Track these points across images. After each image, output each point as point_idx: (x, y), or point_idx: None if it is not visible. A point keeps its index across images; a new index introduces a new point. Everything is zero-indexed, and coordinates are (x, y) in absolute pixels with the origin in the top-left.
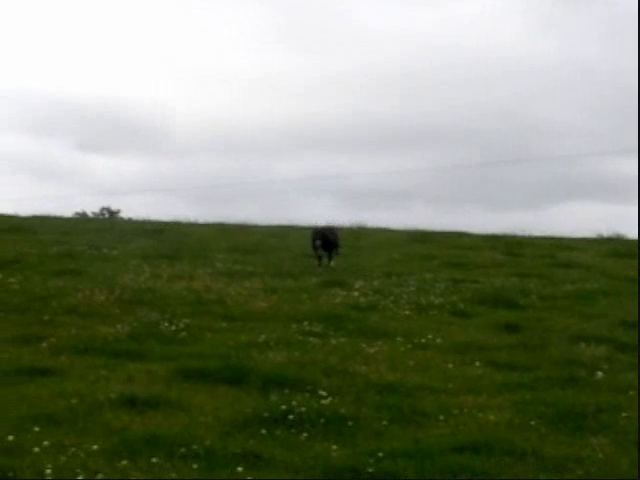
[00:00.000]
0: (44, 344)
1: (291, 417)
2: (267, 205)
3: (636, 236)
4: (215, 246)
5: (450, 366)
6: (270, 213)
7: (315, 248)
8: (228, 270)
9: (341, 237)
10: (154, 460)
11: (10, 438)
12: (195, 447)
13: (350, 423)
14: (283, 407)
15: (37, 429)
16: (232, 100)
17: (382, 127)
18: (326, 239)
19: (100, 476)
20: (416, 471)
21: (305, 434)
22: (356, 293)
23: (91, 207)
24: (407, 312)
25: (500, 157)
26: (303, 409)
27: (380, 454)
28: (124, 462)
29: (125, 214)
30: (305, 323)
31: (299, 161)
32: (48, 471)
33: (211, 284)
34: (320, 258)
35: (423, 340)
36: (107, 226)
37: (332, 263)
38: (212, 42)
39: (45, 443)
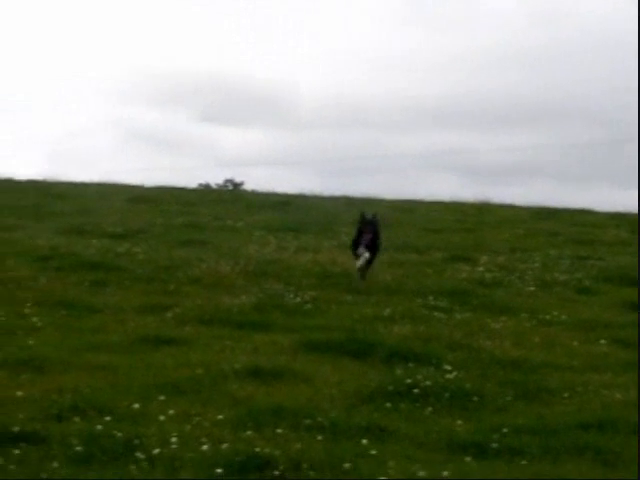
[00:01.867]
0: (169, 314)
1: (416, 391)
2: (391, 180)
3: None
4: (340, 219)
5: (575, 343)
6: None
7: (361, 246)
8: (349, 244)
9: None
10: (279, 431)
11: (136, 406)
12: (320, 419)
13: (475, 398)
14: (408, 381)
15: (162, 398)
16: (356, 77)
17: (507, 103)
18: (375, 236)
19: (225, 445)
20: (541, 447)
21: (430, 408)
22: (481, 268)
23: (215, 179)
24: (532, 288)
25: (627, 134)
26: (428, 383)
27: (504, 430)
28: (249, 432)
29: (249, 186)
30: (430, 297)
31: (424, 137)
32: (173, 439)
33: (336, 257)
34: (357, 254)
35: (548, 317)
36: (231, 198)
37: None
38: (337, 21)
39: (170, 412)
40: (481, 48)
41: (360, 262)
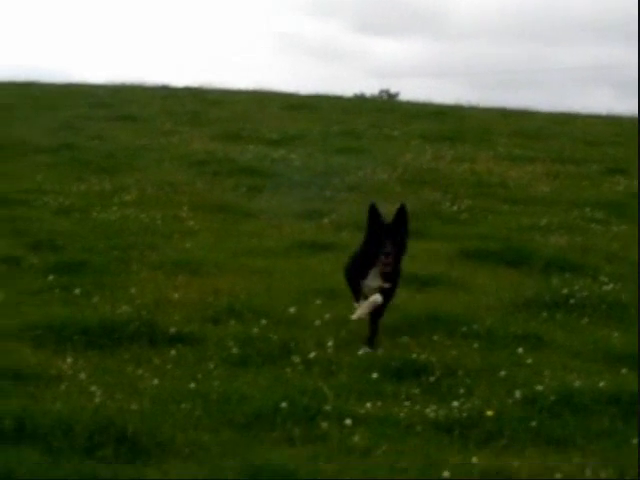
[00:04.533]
0: (326, 220)
1: (572, 301)
2: (548, 92)
3: None
4: (496, 130)
5: None
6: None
7: (368, 278)
8: (510, 154)
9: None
10: (435, 337)
11: (292, 310)
12: (476, 326)
13: (632, 311)
14: (564, 291)
15: (318, 302)
16: None
17: None
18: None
19: (380, 351)
20: None
21: (586, 319)
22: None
23: (370, 89)
24: None
25: None
26: (585, 294)
27: None
28: (405, 338)
29: (404, 97)
30: (587, 209)
31: (580, 50)
32: (329, 343)
33: (493, 167)
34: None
35: None
36: (388, 107)
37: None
38: None
39: (326, 316)
40: None
41: (362, 310)
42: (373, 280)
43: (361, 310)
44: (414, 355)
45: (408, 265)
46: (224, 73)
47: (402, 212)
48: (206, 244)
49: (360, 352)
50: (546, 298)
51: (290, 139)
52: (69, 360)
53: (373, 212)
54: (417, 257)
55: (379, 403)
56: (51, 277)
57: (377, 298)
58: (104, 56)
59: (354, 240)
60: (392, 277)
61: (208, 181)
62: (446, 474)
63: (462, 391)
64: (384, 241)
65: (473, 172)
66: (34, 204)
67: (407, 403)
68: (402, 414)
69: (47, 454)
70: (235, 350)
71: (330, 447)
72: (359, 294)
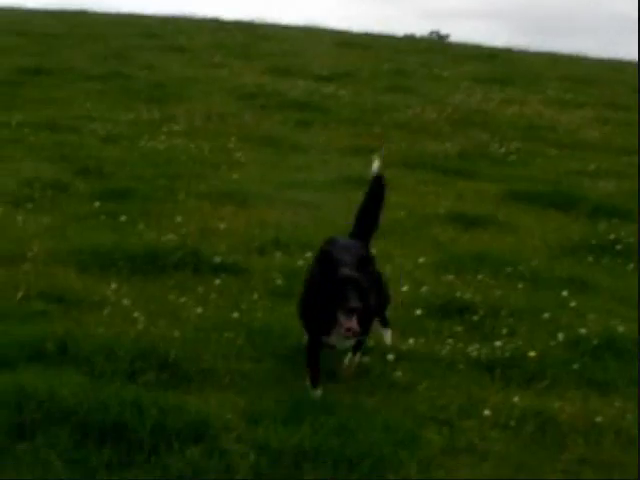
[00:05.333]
0: (374, 156)
1: (618, 247)
2: (599, 39)
3: None
4: (546, 74)
5: None
6: (602, 47)
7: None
8: (559, 98)
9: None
10: (480, 277)
11: None
12: (521, 268)
13: None
14: (611, 236)
15: None
16: None
17: None
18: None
19: (425, 288)
20: None
21: (632, 265)
22: None
23: (420, 31)
24: None
25: None
26: (631, 240)
27: None
28: (450, 276)
29: (454, 39)
30: (636, 156)
31: None
32: None
33: (542, 110)
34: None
35: None
36: (438, 48)
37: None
38: None
39: (372, 250)
40: None
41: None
42: (337, 338)
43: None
44: (458, 293)
45: (455, 204)
46: (276, 8)
47: (367, 256)
48: (253, 176)
49: (345, 363)
50: (592, 243)
51: (340, 76)
52: (113, 286)
53: (326, 259)
54: (465, 197)
55: (422, 340)
56: (97, 203)
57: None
58: None
59: (402, 178)
60: (364, 322)
61: (257, 114)
62: (487, 412)
63: (505, 331)
64: (345, 293)
65: (522, 115)
66: (82, 131)
67: (450, 341)
68: (444, 351)
69: (89, 377)
70: (279, 282)
71: (372, 381)
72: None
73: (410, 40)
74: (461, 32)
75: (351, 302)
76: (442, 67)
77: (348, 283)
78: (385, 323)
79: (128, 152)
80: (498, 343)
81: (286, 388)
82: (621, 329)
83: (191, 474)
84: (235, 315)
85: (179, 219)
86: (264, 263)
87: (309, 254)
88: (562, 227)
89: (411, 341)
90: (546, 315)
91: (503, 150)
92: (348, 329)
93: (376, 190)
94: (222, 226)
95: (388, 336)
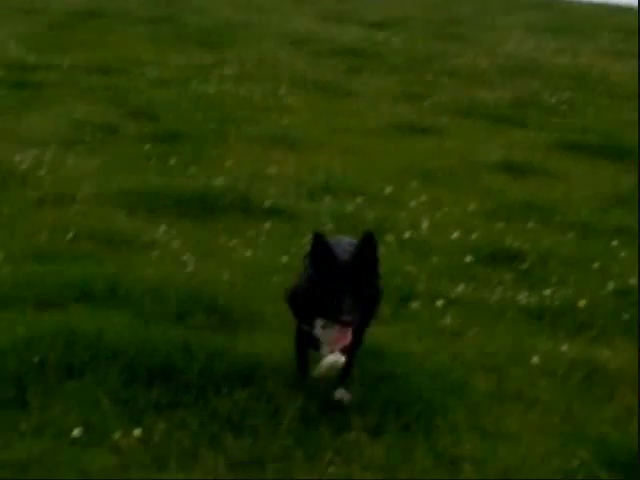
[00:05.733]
0: (425, 103)
1: None
2: None
3: None
4: (600, 25)
5: None
6: None
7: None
8: (613, 49)
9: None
10: (529, 225)
11: (388, 190)
12: (571, 217)
13: None
14: None
15: (414, 184)
16: None
17: None
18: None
19: (475, 235)
20: None
21: None
22: None
23: None
24: None
25: None
26: None
27: None
28: (499, 224)
29: None
30: None
31: None
32: (424, 225)
33: (595, 61)
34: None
35: None
36: None
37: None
38: None
39: (422, 198)
40: None
41: (321, 369)
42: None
43: (320, 370)
44: (508, 241)
45: (506, 153)
46: None
47: (368, 243)
48: (304, 121)
49: (336, 397)
50: None
51: (392, 23)
52: (162, 228)
53: (320, 246)
54: (515, 145)
55: (471, 287)
56: (147, 146)
57: (338, 360)
58: None
59: (453, 125)
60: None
61: (308, 60)
62: (535, 360)
63: (554, 280)
64: (341, 293)
65: (574, 65)
66: (133, 74)
67: (499, 288)
68: (493, 299)
69: (138, 319)
70: (329, 227)
71: (420, 327)
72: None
73: None
74: None
75: (347, 304)
76: (495, 15)
77: (348, 274)
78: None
79: (178, 95)
80: (547, 292)
81: None
82: None
83: (238, 417)
84: (284, 259)
85: (229, 163)
86: (314, 208)
87: (359, 199)
88: (612, 177)
89: (460, 288)
90: (596, 265)
91: (555, 99)
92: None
93: None
94: (272, 170)
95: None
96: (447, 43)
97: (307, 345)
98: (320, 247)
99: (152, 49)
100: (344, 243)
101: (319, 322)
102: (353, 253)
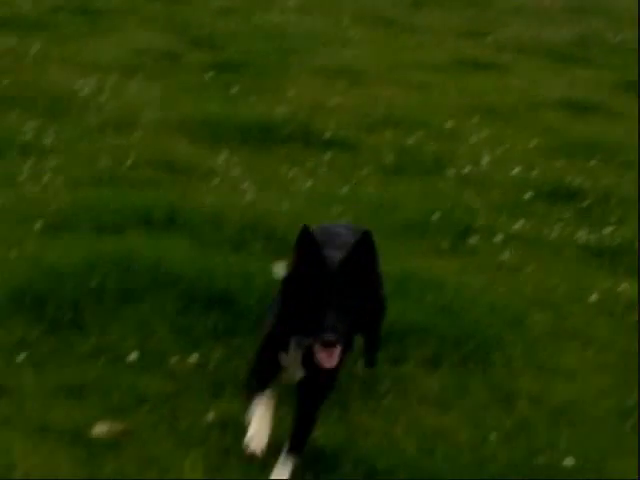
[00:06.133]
0: (488, 39)
1: None
2: None
3: None
4: None
5: None
6: None
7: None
8: None
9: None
10: (591, 163)
11: (449, 124)
12: (632, 157)
13: None
14: None
15: (476, 119)
16: None
17: None
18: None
19: (535, 172)
20: None
21: None
22: None
23: None
24: None
25: None
26: None
27: None
28: (560, 161)
29: None
30: None
31: None
32: (484, 161)
33: None
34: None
35: None
36: None
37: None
38: None
39: (483, 134)
40: None
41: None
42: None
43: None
44: (568, 179)
45: (569, 91)
46: None
47: (364, 244)
48: (366, 54)
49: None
50: None
51: None
52: (223, 156)
53: (307, 242)
54: (578, 84)
55: (530, 223)
56: (209, 74)
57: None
58: None
59: (516, 62)
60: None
61: None
62: (593, 298)
63: (614, 219)
64: (324, 306)
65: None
66: (196, 2)
67: (558, 225)
68: (553, 235)
69: (196, 246)
70: (390, 159)
71: (479, 262)
72: (265, 382)
73: None
74: None
75: (330, 318)
76: None
77: (335, 284)
78: (372, 363)
79: (241, 25)
80: (607, 230)
81: (394, 261)
82: None
83: None
84: (344, 190)
85: (291, 93)
86: (374, 140)
87: (420, 133)
88: None
89: (519, 224)
90: None
91: (619, 38)
92: (323, 357)
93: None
94: (333, 102)
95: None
96: None
97: (269, 379)
98: (306, 244)
99: None
100: (343, 237)
101: (293, 342)
102: (344, 256)
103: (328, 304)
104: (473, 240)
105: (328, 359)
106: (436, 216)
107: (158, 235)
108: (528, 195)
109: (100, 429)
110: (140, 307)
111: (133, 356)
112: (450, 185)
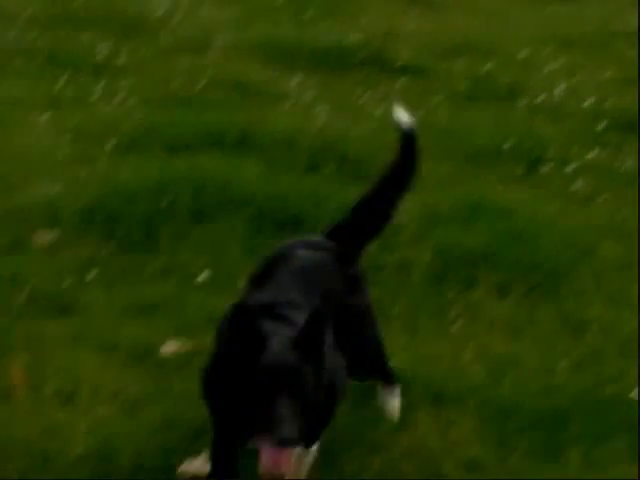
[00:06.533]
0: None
1: None
2: None
3: None
4: None
5: None
6: None
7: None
8: None
9: None
10: None
11: (523, 54)
12: None
13: None
14: None
15: (550, 49)
16: None
17: None
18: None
19: (609, 103)
20: None
21: None
22: None
23: None
24: None
25: None
26: None
27: None
28: (635, 92)
29: None
30: None
31: None
32: (557, 90)
33: None
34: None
35: None
36: None
37: None
38: None
39: (557, 63)
40: None
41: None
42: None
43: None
44: None
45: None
46: None
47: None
48: None
49: None
50: None
51: None
52: (296, 80)
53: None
54: None
55: (603, 153)
56: None
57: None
58: None
59: None
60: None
61: None
62: None
63: None
64: (272, 399)
65: None
66: None
67: (632, 157)
68: (625, 166)
69: (268, 168)
70: (463, 86)
71: (550, 191)
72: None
73: None
74: None
75: (281, 426)
76: None
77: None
78: (388, 378)
79: None
80: None
81: (464, 190)
82: None
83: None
84: (417, 116)
85: (364, 19)
86: (448, 67)
87: (494, 61)
88: None
89: (592, 154)
90: None
91: None
92: (268, 464)
93: (405, 159)
94: (407, 28)
95: (394, 405)
96: None
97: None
98: (244, 329)
99: None
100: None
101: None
102: (295, 340)
103: (278, 392)
104: (545, 169)
105: (277, 463)
106: (508, 144)
107: (229, 156)
108: (601, 125)
109: (169, 348)
110: (211, 228)
111: (203, 276)
112: (523, 114)
